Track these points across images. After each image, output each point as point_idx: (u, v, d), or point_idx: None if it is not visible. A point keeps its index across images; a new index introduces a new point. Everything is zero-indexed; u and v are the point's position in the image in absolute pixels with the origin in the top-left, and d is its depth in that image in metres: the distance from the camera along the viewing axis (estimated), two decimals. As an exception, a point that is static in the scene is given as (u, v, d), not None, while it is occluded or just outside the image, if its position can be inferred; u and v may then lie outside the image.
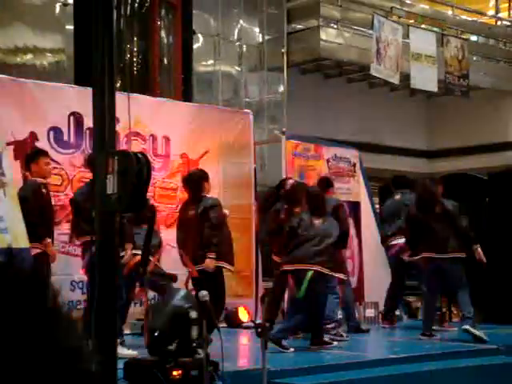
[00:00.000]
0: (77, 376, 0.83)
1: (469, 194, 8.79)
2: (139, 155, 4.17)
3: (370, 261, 9.38)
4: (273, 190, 8.36)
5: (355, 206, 9.63)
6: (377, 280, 9.15)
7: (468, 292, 7.47)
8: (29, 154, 6.91)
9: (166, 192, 8.40)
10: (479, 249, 7.48)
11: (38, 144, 7.48)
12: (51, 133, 7.62)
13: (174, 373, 5.03)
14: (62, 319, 0.85)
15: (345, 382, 5.87)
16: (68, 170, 7.70)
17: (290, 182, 8.09)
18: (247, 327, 7.85)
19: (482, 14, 14.41)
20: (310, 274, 6.67)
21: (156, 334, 5.17)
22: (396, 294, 8.75)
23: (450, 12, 13.13)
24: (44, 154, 6.83)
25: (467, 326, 7.32)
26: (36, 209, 6.40)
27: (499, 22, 14.26)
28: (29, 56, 8.82)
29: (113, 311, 4.28)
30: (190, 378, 5.05)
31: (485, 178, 10.54)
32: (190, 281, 6.75)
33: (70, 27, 9.06)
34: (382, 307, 8.91)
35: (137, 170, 4.03)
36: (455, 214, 7.53)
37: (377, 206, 10.98)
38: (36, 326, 0.82)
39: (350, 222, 8.80)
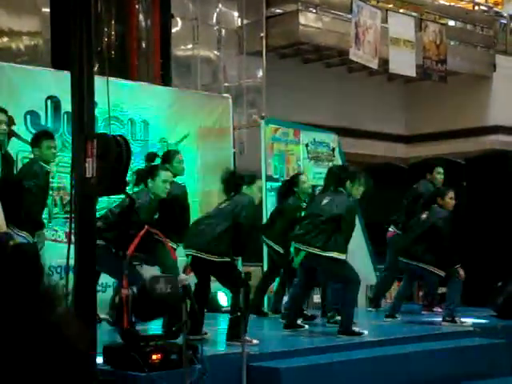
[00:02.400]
0: (58, 349, 0.83)
1: (446, 179, 8.86)
2: (119, 138, 4.15)
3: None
4: (286, 184, 8.40)
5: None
6: (356, 264, 9.19)
7: (455, 288, 7.56)
8: (32, 136, 6.78)
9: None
10: (461, 271, 7.56)
11: (15, 128, 7.41)
12: (28, 117, 7.55)
13: (154, 357, 5.04)
14: (45, 294, 0.86)
15: (323, 365, 5.92)
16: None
17: (303, 178, 8.17)
18: (227, 311, 7.88)
19: (460, -1, 14.47)
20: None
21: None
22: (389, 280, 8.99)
23: (428, -3, 13.16)
24: (47, 136, 6.66)
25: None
26: (41, 198, 6.44)
27: (476, 7, 14.32)
28: (5, 39, 8.72)
29: (92, 295, 4.28)
30: (169, 361, 5.06)
31: (462, 163, 10.63)
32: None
33: (47, 10, 8.96)
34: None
35: (116, 153, 4.01)
36: (442, 234, 7.55)
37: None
38: (17, 299, 0.82)
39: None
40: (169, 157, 7.33)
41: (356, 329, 6.79)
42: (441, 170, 8.79)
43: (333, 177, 7.16)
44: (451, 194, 7.91)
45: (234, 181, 6.52)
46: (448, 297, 7.72)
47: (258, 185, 6.64)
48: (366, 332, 6.81)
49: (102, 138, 4.23)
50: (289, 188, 8.14)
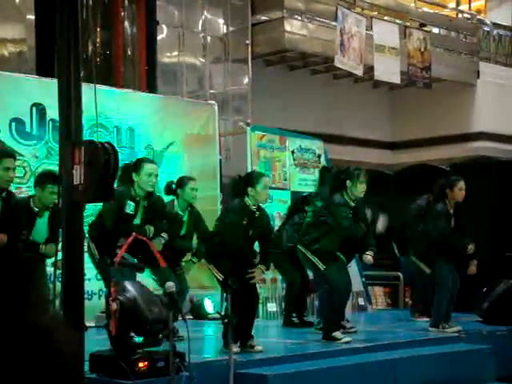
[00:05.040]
0: (46, 353, 0.84)
1: (431, 185, 8.90)
2: (107, 146, 4.14)
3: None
4: (297, 202, 8.33)
5: (320, 197, 9.68)
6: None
7: (442, 294, 7.54)
8: (38, 175, 6.46)
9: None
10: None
11: (0, 135, 7.38)
12: (13, 124, 7.52)
13: (140, 364, 5.01)
14: (34, 299, 0.86)
15: (311, 372, 5.92)
16: (31, 161, 7.61)
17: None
18: (213, 319, 7.87)
19: (444, 6, 14.58)
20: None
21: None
22: None
23: (412, 4, 13.26)
24: (54, 181, 5.94)
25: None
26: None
27: (460, 15, 14.45)
28: (-11, 46, 8.69)
29: (79, 303, 4.26)
30: (156, 369, 5.04)
31: (447, 169, 10.69)
32: None
33: (32, 17, 8.94)
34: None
35: (104, 160, 4.00)
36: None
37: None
38: (6, 303, 0.83)
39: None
40: (137, 166, 6.80)
41: (337, 333, 6.70)
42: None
43: (332, 180, 7.12)
44: (461, 184, 7.45)
45: (241, 184, 6.31)
46: (435, 302, 7.72)
47: (263, 183, 6.17)
48: (349, 339, 6.74)
49: (90, 145, 4.22)
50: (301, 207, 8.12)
